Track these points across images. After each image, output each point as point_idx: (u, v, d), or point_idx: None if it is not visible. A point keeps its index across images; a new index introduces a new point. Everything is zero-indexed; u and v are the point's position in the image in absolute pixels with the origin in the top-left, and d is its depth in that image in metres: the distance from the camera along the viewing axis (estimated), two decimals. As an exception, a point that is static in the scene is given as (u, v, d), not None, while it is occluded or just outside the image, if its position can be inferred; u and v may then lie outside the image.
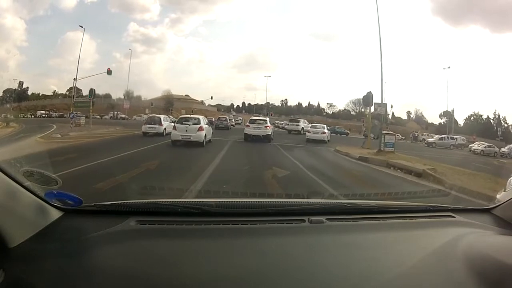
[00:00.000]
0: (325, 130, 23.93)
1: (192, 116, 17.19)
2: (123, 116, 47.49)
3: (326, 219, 1.47)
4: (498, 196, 3.67)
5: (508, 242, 1.40)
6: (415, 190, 5.29)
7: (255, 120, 19.88)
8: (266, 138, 18.28)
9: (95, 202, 1.50)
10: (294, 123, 36.71)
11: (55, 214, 1.34)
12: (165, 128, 19.43)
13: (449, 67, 54.04)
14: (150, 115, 24.79)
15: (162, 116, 21.83)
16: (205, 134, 14.97)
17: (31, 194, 1.24)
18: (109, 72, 29.33)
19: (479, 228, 1.55)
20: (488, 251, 1.25)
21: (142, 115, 46.39)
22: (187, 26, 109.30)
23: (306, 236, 1.38)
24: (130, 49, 67.80)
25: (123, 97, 56.31)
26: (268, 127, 19.25)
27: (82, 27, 37.93)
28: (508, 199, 1.67)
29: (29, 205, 1.22)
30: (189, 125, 14.92)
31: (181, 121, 15.49)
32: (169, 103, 59.22)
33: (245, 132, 19.00)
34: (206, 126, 15.97)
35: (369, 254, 1.25)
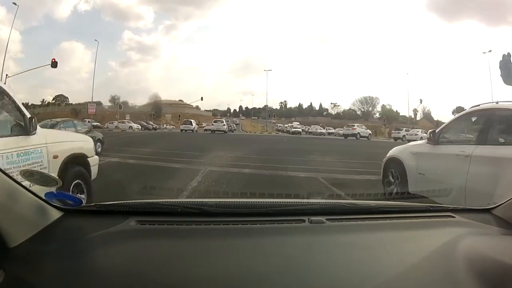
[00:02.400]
0: (417, 133, 32.41)
1: (220, 119, 40.99)
2: (95, 123, 42.47)
3: (326, 219, 1.47)
4: None
5: (508, 242, 1.40)
6: (415, 190, 5.29)
7: (349, 124, 32.02)
8: (354, 136, 31.70)
9: (95, 202, 1.50)
10: (396, 131, 40.64)
11: (55, 214, 1.34)
12: (194, 127, 36.38)
13: (490, 51, 49.97)
14: (185, 120, 40.96)
15: (192, 120, 38.84)
16: (226, 127, 37.13)
17: (31, 194, 1.24)
18: (53, 64, 26.92)
19: (480, 228, 1.55)
20: (489, 251, 1.25)
21: (114, 122, 43.90)
22: (182, 32, 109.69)
23: (306, 236, 1.38)
24: (96, 40, 63.89)
25: (109, 103, 52.52)
26: (355, 129, 33.16)
27: (15, 4, 35.79)
28: (508, 199, 1.67)
29: (29, 205, 1.23)
30: (219, 123, 37.04)
31: (215, 121, 36.59)
32: (156, 108, 56.74)
33: (343, 133, 33.15)
34: (226, 124, 37.20)
35: (369, 254, 1.25)
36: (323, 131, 54.06)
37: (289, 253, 1.23)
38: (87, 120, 42.37)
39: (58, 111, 57.97)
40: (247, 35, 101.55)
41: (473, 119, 4.73)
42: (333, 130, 54.09)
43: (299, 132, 49.57)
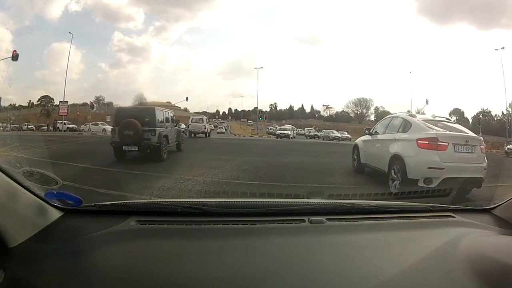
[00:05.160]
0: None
1: (221, 126, 53.85)
2: (70, 125, 38.82)
3: (326, 219, 1.47)
4: None
5: (508, 242, 1.40)
6: (415, 190, 5.29)
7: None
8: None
9: (95, 202, 1.50)
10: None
11: (55, 214, 1.34)
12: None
13: (503, 48, 52.27)
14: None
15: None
16: (225, 129, 52.51)
17: (31, 194, 1.24)
18: (14, 57, 24.82)
19: (479, 228, 1.55)
20: (488, 251, 1.25)
21: (87, 124, 39.04)
22: (171, 34, 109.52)
23: (306, 236, 1.38)
24: (70, 33, 57.66)
25: (89, 103, 46.28)
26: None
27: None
28: (508, 199, 1.67)
29: (29, 205, 1.23)
30: (222, 128, 50.10)
31: (220, 127, 50.87)
32: None
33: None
34: (224, 127, 52.93)
35: (369, 254, 1.25)
36: (338, 135, 39.78)
37: (289, 253, 1.23)
38: (59, 121, 37.69)
39: (40, 113, 55.24)
40: (237, 38, 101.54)
41: (385, 121, 8.56)
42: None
43: (288, 136, 36.23)
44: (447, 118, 8.15)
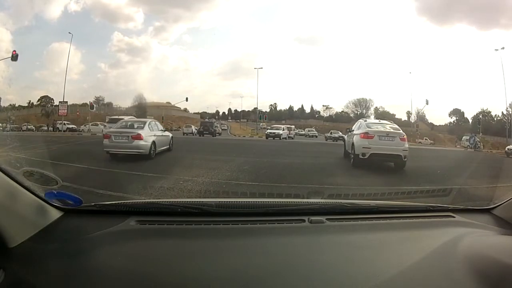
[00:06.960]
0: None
1: (224, 126, 53.98)
2: (70, 126, 38.10)
3: (326, 219, 1.47)
4: None
5: (508, 242, 1.40)
6: (415, 190, 5.30)
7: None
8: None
9: (95, 202, 1.50)
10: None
11: (55, 214, 1.34)
12: (219, 131, 41.85)
13: (503, 48, 51.45)
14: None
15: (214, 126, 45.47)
16: (227, 127, 54.34)
17: (31, 194, 1.24)
18: (13, 57, 24.79)
19: (479, 228, 1.55)
20: (488, 251, 1.25)
21: (87, 124, 38.07)
22: (171, 34, 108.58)
23: (306, 236, 1.38)
24: (70, 33, 56.61)
25: (88, 103, 44.72)
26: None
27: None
28: (508, 199, 1.67)
29: (29, 205, 1.23)
30: (224, 126, 52.92)
31: (222, 125, 51.12)
32: (141, 110, 53.23)
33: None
34: (225, 126, 54.90)
35: (369, 254, 1.25)
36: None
37: (289, 253, 1.23)
38: (59, 122, 37.18)
39: (41, 113, 54.16)
40: (236, 38, 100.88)
41: (354, 123, 12.90)
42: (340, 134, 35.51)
43: (279, 136, 30.79)
44: (390, 121, 12.96)
